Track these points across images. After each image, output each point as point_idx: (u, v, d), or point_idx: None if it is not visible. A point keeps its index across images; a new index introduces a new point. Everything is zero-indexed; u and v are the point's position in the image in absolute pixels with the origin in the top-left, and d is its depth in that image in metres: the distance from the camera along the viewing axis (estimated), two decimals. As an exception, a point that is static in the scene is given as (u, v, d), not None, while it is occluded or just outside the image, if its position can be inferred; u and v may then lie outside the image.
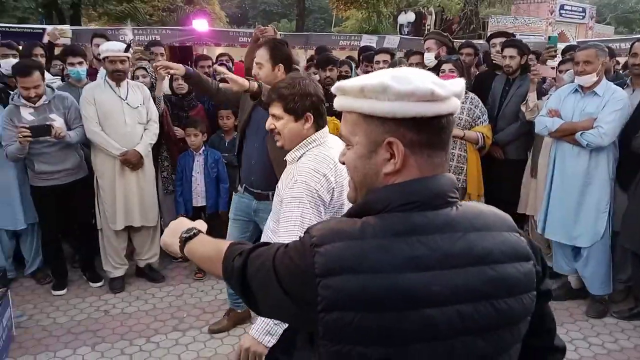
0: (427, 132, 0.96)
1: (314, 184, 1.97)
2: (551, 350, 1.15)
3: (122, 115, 3.81)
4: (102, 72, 4.16)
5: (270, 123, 2.16)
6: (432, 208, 0.96)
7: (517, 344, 1.02)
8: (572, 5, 19.08)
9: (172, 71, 3.21)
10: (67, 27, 6.38)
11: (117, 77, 3.79)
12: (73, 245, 4.43)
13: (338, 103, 1.03)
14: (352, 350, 0.91)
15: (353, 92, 0.98)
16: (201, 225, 1.34)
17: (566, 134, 3.63)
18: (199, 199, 4.31)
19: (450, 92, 0.95)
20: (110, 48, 3.80)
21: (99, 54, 4.71)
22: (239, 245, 1.14)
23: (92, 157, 3.91)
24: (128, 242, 4.17)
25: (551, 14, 17.92)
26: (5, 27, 7.34)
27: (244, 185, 3.12)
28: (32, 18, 12.50)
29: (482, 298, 0.93)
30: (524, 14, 18.35)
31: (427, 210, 0.95)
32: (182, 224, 1.35)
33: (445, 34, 5.43)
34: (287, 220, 1.96)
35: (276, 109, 2.12)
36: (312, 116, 2.10)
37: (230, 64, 5.66)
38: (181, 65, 3.21)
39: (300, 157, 2.10)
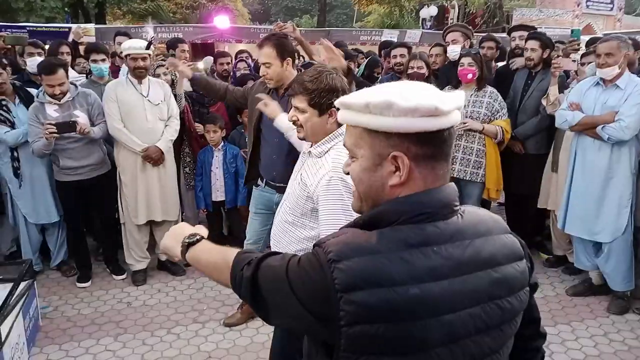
0: (431, 145, 0.99)
1: (349, 179, 1.96)
2: (536, 337, 1.23)
3: (143, 112, 3.87)
4: (124, 69, 4.24)
5: (292, 115, 2.13)
6: (442, 218, 1.00)
7: (513, 335, 1.09)
8: (599, -3, 18.64)
9: (179, 69, 3.26)
10: (90, 26, 6.53)
11: (138, 74, 3.86)
12: (97, 239, 4.54)
13: (342, 117, 1.05)
14: None
15: (358, 108, 1.00)
16: (203, 231, 1.34)
17: (587, 128, 3.57)
18: (218, 194, 4.37)
19: (452, 106, 0.98)
20: (132, 46, 3.86)
21: (122, 52, 4.83)
22: (247, 254, 1.14)
23: (115, 153, 3.99)
24: (150, 236, 4.25)
25: (577, 6, 17.54)
26: (32, 26, 7.52)
27: (265, 179, 3.15)
28: (58, 17, 12.75)
29: (489, 299, 1.00)
30: (549, 6, 18.00)
31: (438, 221, 1.00)
32: (183, 229, 1.34)
33: (469, 27, 5.38)
34: (329, 219, 1.95)
35: (300, 102, 2.08)
36: (336, 111, 2.04)
37: (250, 61, 5.69)
38: (188, 69, 3.26)
39: (327, 151, 2.06)
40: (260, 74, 3.02)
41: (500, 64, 4.95)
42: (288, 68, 2.96)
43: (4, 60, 4.04)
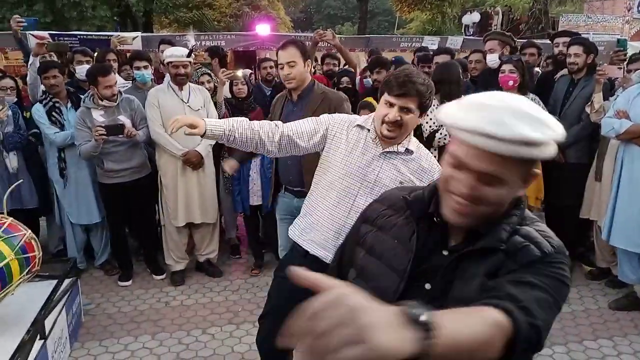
0: None
1: None
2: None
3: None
4: (168, 76, 4.35)
5: (398, 115, 2.05)
6: None
7: None
8: (652, 1, 17.92)
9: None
10: (128, 35, 6.76)
11: (180, 80, 3.96)
12: (138, 240, 4.68)
13: (496, 147, 0.99)
14: None
15: (516, 142, 0.98)
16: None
17: (635, 136, 3.45)
18: (254, 198, 4.43)
19: (548, 137, 1.01)
20: (174, 54, 3.96)
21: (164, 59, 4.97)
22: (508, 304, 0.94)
23: (157, 157, 4.11)
24: (189, 238, 4.35)
25: (628, 11, 16.93)
26: (83, 34, 7.84)
27: (284, 185, 3.20)
28: (108, 26, 13.25)
29: None
30: (597, 11, 17.46)
31: None
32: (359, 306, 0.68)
33: (508, 33, 5.29)
34: None
35: (412, 103, 2.03)
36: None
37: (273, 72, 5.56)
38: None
39: (417, 146, 2.16)
40: (283, 75, 2.98)
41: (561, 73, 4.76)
42: (308, 70, 3.00)
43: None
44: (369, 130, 2.17)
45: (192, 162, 4.01)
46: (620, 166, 3.62)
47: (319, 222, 2.24)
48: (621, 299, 3.78)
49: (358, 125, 2.20)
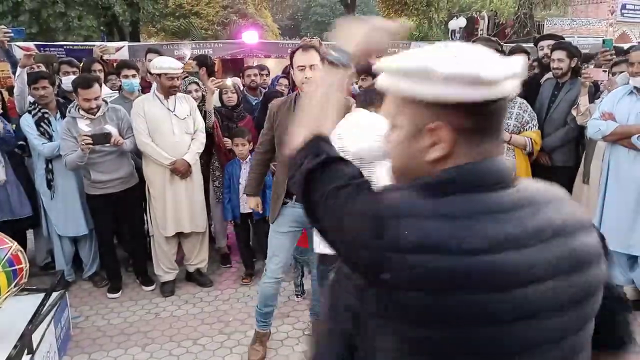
0: (477, 117, 0.88)
1: None
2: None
3: (170, 126, 3.94)
4: (154, 86, 4.30)
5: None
6: (503, 188, 0.90)
7: (593, 316, 0.94)
8: (634, 5, 18.22)
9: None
10: (111, 45, 6.76)
11: (173, 92, 3.94)
12: (127, 251, 4.64)
13: (380, 82, 0.95)
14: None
15: (395, 73, 0.91)
16: None
17: (622, 138, 3.48)
18: (246, 206, 4.40)
19: (501, 75, 0.86)
20: (171, 66, 3.89)
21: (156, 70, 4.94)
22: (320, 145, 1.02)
23: (144, 166, 4.07)
24: (178, 248, 4.32)
25: (612, 14, 17.18)
26: (69, 45, 7.80)
27: (293, 195, 3.10)
28: (94, 36, 13.17)
29: (572, 270, 0.88)
30: (581, 15, 17.71)
31: (500, 190, 0.89)
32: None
33: (494, 38, 5.33)
34: None
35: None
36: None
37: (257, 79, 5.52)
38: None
39: None
40: (302, 78, 2.89)
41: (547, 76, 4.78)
42: None
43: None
44: None
45: (180, 171, 3.99)
46: (607, 168, 3.65)
47: None
48: (611, 301, 3.79)
49: None
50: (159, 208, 4.06)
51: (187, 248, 4.31)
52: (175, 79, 3.91)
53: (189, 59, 4.48)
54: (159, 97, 3.96)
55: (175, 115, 3.96)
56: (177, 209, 4.07)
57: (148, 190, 4.10)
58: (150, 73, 4.98)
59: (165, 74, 3.87)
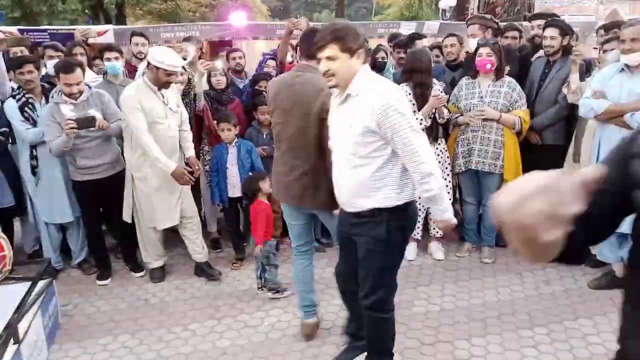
0: None
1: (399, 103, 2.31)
2: None
3: (166, 121, 3.78)
4: (142, 75, 3.97)
5: (326, 66, 2.38)
6: None
7: None
8: (625, -18, 18.09)
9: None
10: (93, 28, 6.65)
11: (166, 86, 3.76)
12: (115, 237, 4.59)
13: None
14: None
15: None
16: None
17: (614, 116, 3.46)
18: (235, 190, 4.36)
19: None
20: (172, 63, 3.66)
21: (139, 53, 4.84)
22: None
23: (129, 155, 3.87)
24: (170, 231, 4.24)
25: (602, -8, 17.06)
26: (53, 29, 7.65)
27: None
28: (79, 19, 12.94)
29: None
30: (572, -7, 17.56)
31: None
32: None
33: (488, 16, 5.26)
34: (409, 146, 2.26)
35: (333, 51, 2.33)
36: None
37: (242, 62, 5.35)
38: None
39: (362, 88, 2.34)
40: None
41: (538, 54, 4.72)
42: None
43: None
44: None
45: (183, 179, 3.75)
46: (598, 146, 3.63)
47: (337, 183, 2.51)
48: (600, 278, 3.81)
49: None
50: (147, 202, 3.90)
51: (187, 243, 4.14)
52: (173, 76, 3.76)
53: (192, 56, 4.38)
54: (152, 89, 3.73)
55: (170, 108, 3.81)
56: (169, 205, 3.93)
57: (132, 178, 3.91)
58: (136, 57, 4.90)
59: (165, 70, 3.66)
